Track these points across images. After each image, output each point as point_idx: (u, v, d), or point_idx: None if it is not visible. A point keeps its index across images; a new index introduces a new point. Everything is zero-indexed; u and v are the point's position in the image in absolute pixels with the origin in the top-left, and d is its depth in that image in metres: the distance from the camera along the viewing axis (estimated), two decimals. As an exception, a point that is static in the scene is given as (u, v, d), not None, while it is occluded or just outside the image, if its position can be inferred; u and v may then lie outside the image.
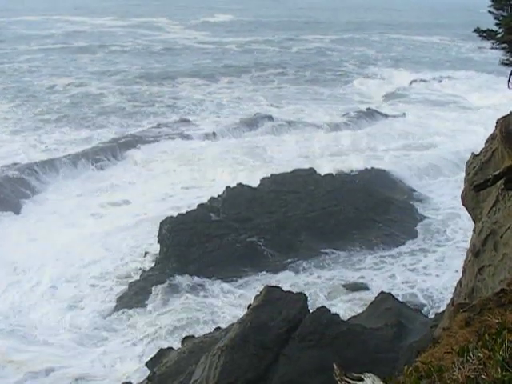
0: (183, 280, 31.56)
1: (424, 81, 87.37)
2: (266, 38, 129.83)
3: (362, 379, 5.48)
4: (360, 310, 25.17)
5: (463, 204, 17.56)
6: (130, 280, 31.96)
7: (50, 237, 36.85)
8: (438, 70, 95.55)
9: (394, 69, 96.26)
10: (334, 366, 5.75)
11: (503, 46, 16.63)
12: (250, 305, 21.19)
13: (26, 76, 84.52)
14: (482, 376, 4.78)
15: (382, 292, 25.40)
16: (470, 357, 5.11)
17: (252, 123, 61.43)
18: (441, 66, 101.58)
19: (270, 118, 63.19)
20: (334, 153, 52.41)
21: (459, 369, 4.97)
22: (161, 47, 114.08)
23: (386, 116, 66.43)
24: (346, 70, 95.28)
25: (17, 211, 41.10)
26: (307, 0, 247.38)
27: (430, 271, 32.66)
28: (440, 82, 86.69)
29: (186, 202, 40.11)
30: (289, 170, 40.82)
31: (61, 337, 27.32)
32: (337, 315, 20.82)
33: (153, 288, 31.08)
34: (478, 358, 5.04)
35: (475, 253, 15.01)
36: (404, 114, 67.89)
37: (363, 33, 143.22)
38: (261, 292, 21.04)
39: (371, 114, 66.30)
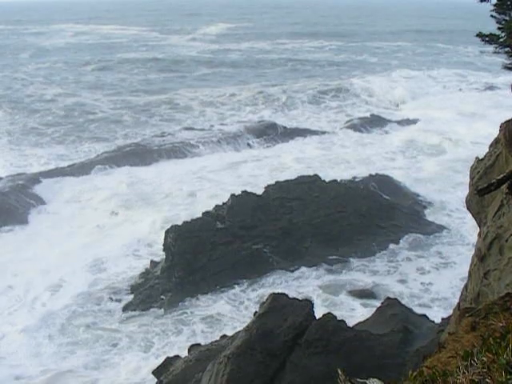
0: (189, 288, 31.58)
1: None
2: (274, 46, 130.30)
3: (366, 384, 5.48)
4: (366, 316, 25.12)
5: (468, 208, 17.54)
6: (136, 289, 31.97)
7: (54, 247, 36.97)
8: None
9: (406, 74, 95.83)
10: (339, 371, 5.75)
11: (506, 50, 16.63)
12: (255, 312, 21.19)
13: (24, 86, 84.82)
14: (487, 380, 4.77)
15: (388, 298, 25.38)
16: (474, 361, 5.10)
17: (257, 132, 61.43)
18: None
19: (274, 125, 63.18)
20: (337, 160, 52.49)
21: (463, 373, 4.97)
22: (161, 56, 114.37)
23: (390, 121, 66.46)
24: (350, 75, 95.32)
25: (22, 222, 41.19)
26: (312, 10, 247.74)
27: (437, 276, 32.59)
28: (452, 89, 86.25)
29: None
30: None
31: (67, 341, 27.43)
32: (343, 321, 20.78)
33: (159, 296, 31.13)
34: (482, 361, 5.03)
35: (480, 257, 14.98)
36: (408, 118, 67.96)
37: (368, 40, 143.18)
38: (266, 299, 21.03)
39: (376, 120, 66.34)
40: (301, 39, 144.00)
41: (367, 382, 5.49)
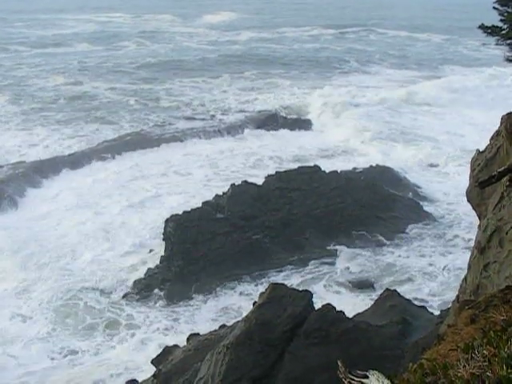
0: (188, 277, 31.60)
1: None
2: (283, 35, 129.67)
3: (366, 376, 5.47)
4: (365, 308, 25.14)
5: (468, 200, 17.54)
6: (134, 278, 31.98)
7: (53, 233, 37.03)
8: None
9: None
10: (339, 363, 5.74)
11: (508, 42, 16.61)
12: (255, 302, 21.19)
13: (27, 75, 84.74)
14: (487, 373, 4.76)
15: (387, 289, 25.36)
16: (474, 354, 5.09)
17: (257, 122, 61.27)
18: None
19: (275, 116, 63.04)
20: (336, 150, 52.53)
21: (464, 366, 4.96)
22: (162, 46, 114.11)
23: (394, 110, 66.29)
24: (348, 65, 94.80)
25: (20, 210, 41.25)
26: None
27: (435, 268, 32.61)
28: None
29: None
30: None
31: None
32: (342, 312, 20.78)
33: (158, 285, 31.14)
34: (482, 355, 5.03)
35: (480, 249, 14.97)
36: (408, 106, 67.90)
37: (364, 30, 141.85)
38: (266, 289, 21.02)
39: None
40: (302, 28, 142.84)
41: (367, 374, 5.48)
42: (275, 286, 20.94)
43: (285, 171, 39.71)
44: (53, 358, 25.91)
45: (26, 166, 47.79)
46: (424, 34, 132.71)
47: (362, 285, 30.87)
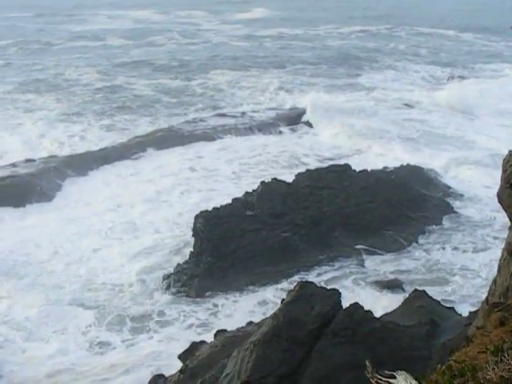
0: (217, 274, 31.70)
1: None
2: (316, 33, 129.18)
3: (394, 377, 5.47)
4: (393, 308, 25.02)
5: (499, 202, 17.36)
6: (162, 273, 32.16)
7: (81, 227, 37.43)
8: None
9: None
10: (367, 363, 5.74)
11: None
12: (283, 300, 21.23)
13: (60, 68, 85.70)
14: (517, 376, 4.73)
15: (416, 289, 25.24)
16: (504, 356, 5.06)
17: (288, 119, 61.21)
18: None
19: (305, 114, 63.00)
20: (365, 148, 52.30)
21: (493, 368, 4.93)
22: (195, 41, 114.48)
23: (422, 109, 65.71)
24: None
25: (51, 203, 41.72)
26: None
27: (466, 269, 32.34)
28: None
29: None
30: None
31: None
32: (370, 312, 20.74)
33: (187, 281, 31.27)
34: (512, 357, 5.00)
35: (510, 251, 14.85)
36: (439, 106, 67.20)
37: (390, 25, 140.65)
38: (294, 287, 21.06)
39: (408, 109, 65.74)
40: (333, 25, 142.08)
41: (395, 374, 5.48)
42: (303, 284, 20.96)
43: (315, 169, 39.69)
44: (82, 348, 26.19)
45: (58, 160, 48.29)
46: (457, 32, 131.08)
47: (390, 285, 30.70)
